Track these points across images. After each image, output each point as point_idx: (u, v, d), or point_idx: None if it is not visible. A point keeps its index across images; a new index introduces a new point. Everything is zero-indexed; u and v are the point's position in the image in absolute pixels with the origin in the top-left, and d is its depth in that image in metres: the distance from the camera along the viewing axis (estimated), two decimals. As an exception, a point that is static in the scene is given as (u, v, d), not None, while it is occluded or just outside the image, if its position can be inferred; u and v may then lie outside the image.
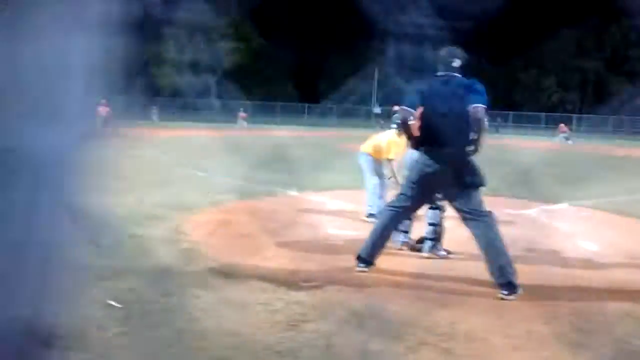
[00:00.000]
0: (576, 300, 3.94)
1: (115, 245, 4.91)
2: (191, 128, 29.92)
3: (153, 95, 55.18)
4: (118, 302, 3.52)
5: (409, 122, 4.36)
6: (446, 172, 4.17)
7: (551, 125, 44.11)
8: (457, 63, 4.35)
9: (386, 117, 41.21)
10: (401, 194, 4.46)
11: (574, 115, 54.08)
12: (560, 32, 63.01)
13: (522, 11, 75.46)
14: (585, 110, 60.71)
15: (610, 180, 12.34)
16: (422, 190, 4.38)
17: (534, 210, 7.74)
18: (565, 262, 5.01)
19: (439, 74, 4.38)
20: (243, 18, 62.91)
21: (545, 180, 11.29)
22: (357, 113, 54.61)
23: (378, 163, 6.63)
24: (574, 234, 6.30)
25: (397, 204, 4.46)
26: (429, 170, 4.24)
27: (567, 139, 30.87)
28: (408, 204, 4.43)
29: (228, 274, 4.22)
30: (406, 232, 5.21)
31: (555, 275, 4.55)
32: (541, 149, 21.64)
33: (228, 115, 50.08)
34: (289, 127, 35.92)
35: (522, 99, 61.84)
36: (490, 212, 4.16)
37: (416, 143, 4.39)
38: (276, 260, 4.71)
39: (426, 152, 4.27)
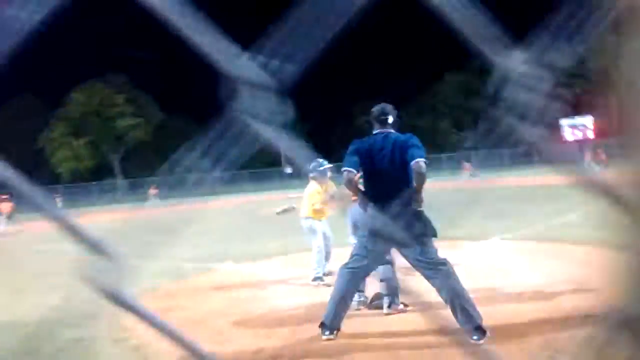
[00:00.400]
0: (543, 333, 4.01)
1: (57, 352, 4.46)
2: (100, 212, 28.58)
3: (53, 183, 52.58)
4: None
5: (353, 180, 4.39)
6: (396, 225, 4.20)
7: (451, 165, 46.36)
8: (390, 119, 4.50)
9: (297, 177, 41.73)
10: (356, 254, 4.41)
11: (472, 152, 57.43)
12: (446, 77, 67.73)
13: (412, 58, 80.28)
14: (481, 146, 64.71)
15: (525, 210, 13.06)
16: (375, 247, 4.36)
17: (467, 250, 7.94)
18: (517, 298, 5.14)
19: (375, 131, 4.49)
20: (139, 93, 62.15)
21: (468, 218, 11.74)
22: (269, 175, 54.78)
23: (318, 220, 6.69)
24: (512, 268, 6.51)
25: (353, 265, 4.40)
26: (379, 225, 4.25)
27: (472, 175, 32.54)
28: (364, 262, 4.38)
29: None
30: (361, 291, 5.14)
31: (513, 312, 4.63)
32: (451, 189, 22.57)
33: (136, 193, 48.58)
34: (203, 198, 35.30)
35: (422, 143, 64.92)
36: (446, 259, 4.20)
37: (363, 201, 4.40)
38: (237, 341, 4.46)
39: (374, 208, 4.29)
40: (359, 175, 4.46)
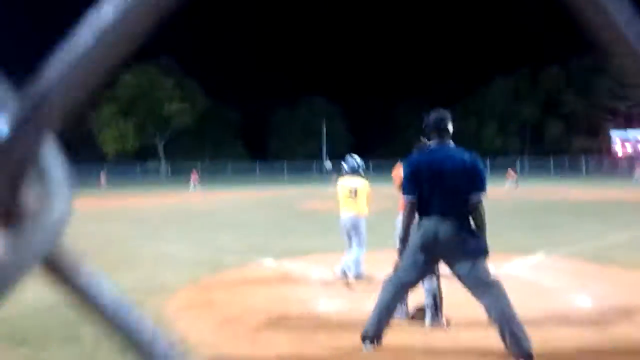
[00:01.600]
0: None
1: (99, 340, 4.50)
2: (143, 195, 29.18)
3: (98, 162, 53.99)
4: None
5: (415, 208, 4.26)
6: (449, 240, 4.06)
7: (496, 170, 45.44)
8: (451, 128, 4.32)
9: (338, 171, 41.62)
10: (404, 266, 4.29)
11: (517, 159, 56.26)
12: (496, 81, 66.46)
13: (459, 61, 79.21)
14: (527, 154, 63.40)
15: (571, 225, 12.64)
16: (425, 261, 4.23)
17: (512, 265, 7.71)
18: (567, 323, 4.92)
19: (434, 145, 4.30)
20: (188, 79, 63.12)
21: (511, 230, 11.44)
22: (308, 168, 54.94)
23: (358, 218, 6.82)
24: (561, 289, 6.26)
25: (400, 278, 4.28)
26: (430, 238, 4.11)
27: (515, 183, 31.83)
28: (412, 276, 4.26)
29: (230, 367, 3.90)
30: (404, 302, 5.02)
31: (563, 339, 4.43)
32: (493, 197, 22.12)
33: (178, 177, 49.44)
34: (242, 187, 35.64)
35: (466, 147, 63.93)
36: (498, 279, 4.04)
37: (417, 212, 4.27)
38: (273, 345, 4.40)
39: (428, 222, 4.15)
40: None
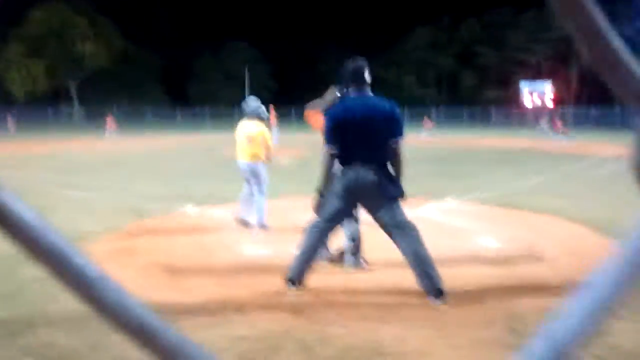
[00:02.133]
0: (501, 301, 4.19)
1: (15, 291, 4.39)
2: (55, 140, 27.73)
3: (5, 104, 50.41)
4: (40, 362, 3.15)
5: (333, 157, 4.39)
6: (369, 186, 4.23)
7: (414, 119, 46.59)
8: (368, 77, 4.42)
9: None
10: (326, 211, 4.44)
11: (433, 108, 57.90)
12: (416, 31, 67.25)
13: (382, 10, 79.32)
14: (442, 103, 65.36)
15: (482, 172, 13.38)
16: (345, 205, 4.41)
17: (425, 208, 8.12)
18: (476, 262, 5.32)
19: (353, 94, 4.41)
20: (103, 18, 59.50)
21: (425, 176, 11.95)
22: (230, 114, 53.98)
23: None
24: (472, 231, 6.70)
25: (322, 222, 4.44)
26: (351, 185, 4.27)
27: (431, 132, 32.91)
28: (333, 220, 4.43)
29: (155, 313, 3.93)
30: (325, 246, 5.21)
31: (473, 277, 4.80)
32: (412, 145, 22.82)
33: (93, 122, 47.18)
34: (163, 133, 34.62)
35: (385, 95, 64.86)
36: (413, 222, 4.29)
37: (339, 161, 4.39)
38: (201, 290, 4.48)
39: (350, 169, 4.29)
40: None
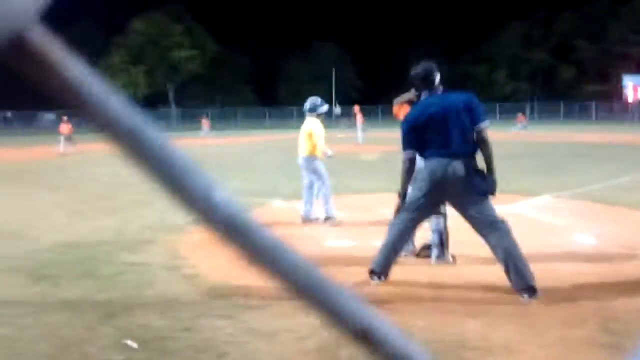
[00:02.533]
0: (595, 299, 3.95)
1: (113, 276, 4.69)
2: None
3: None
4: (135, 342, 3.34)
5: (415, 164, 4.38)
6: (457, 181, 4.13)
7: (505, 115, 44.98)
8: (438, 78, 4.37)
9: (347, 117, 41.50)
10: (411, 204, 4.38)
11: (527, 104, 55.56)
12: (508, 26, 64.73)
13: (472, 6, 77.19)
14: (537, 99, 62.56)
15: (578, 168, 12.65)
16: (432, 200, 4.33)
17: (519, 205, 7.80)
18: (570, 259, 5.05)
19: (425, 95, 4.37)
20: (197, 25, 62.49)
21: (520, 173, 11.48)
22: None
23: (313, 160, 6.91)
24: (566, 228, 6.36)
25: (408, 215, 4.38)
26: (439, 179, 4.18)
27: (525, 127, 31.63)
28: (419, 213, 4.36)
29: (242, 299, 4.06)
30: (410, 239, 5.14)
31: (566, 274, 4.55)
32: (504, 141, 21.99)
33: (188, 123, 49.51)
34: (253, 132, 35.71)
35: (475, 92, 62.93)
36: (504, 218, 4.13)
37: (424, 156, 4.33)
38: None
39: (437, 162, 4.21)
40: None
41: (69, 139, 20.08)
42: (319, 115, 7.02)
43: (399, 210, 4.44)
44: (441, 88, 4.38)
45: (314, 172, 6.87)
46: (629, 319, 3.58)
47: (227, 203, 0.34)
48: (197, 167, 0.34)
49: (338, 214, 6.97)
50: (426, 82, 4.35)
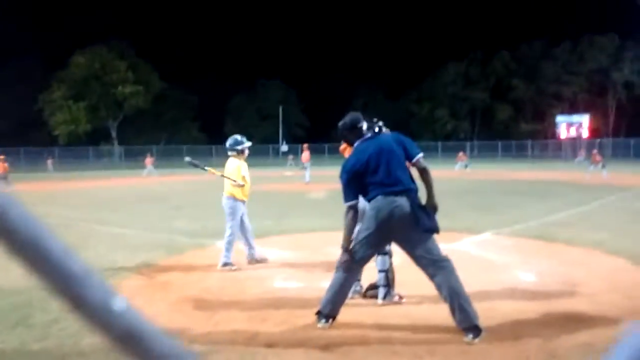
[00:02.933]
0: (538, 335, 4.03)
1: (49, 324, 4.45)
2: (94, 178, 28.48)
3: (50, 145, 52.35)
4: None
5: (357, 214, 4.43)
6: (404, 217, 4.18)
7: (447, 153, 46.38)
8: (365, 125, 4.61)
9: (295, 153, 41.70)
10: (358, 245, 4.39)
11: (467, 143, 57.51)
12: (447, 66, 67.44)
13: (411, 47, 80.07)
14: (476, 137, 64.92)
15: (517, 205, 13.11)
16: (378, 239, 4.36)
17: (462, 243, 7.97)
18: (512, 296, 5.16)
19: (356, 142, 4.53)
20: (141, 61, 61.87)
21: (463, 210, 11.79)
22: (264, 151, 54.65)
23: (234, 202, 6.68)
24: (508, 264, 6.53)
25: (354, 257, 4.38)
26: (385, 216, 4.22)
27: (466, 166, 32.60)
28: (365, 254, 4.38)
29: (187, 346, 3.92)
30: (357, 280, 5.15)
31: (509, 312, 4.65)
32: (447, 178, 22.60)
33: (132, 161, 48.43)
34: (198, 171, 35.17)
35: (419, 130, 64.95)
36: (448, 257, 4.21)
37: (367, 198, 4.38)
38: (230, 323, 4.46)
39: (380, 200, 4.26)
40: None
41: (4, 178, 19.28)
42: (239, 154, 6.79)
43: (343, 264, 4.40)
44: (369, 134, 4.54)
45: (230, 213, 6.60)
46: (570, 354, 3.67)
47: (125, 312, 0.33)
48: (96, 277, 0.34)
49: (285, 254, 6.90)
50: (354, 131, 4.56)
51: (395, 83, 71.83)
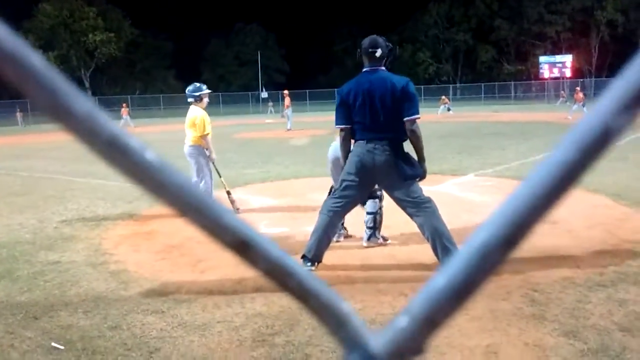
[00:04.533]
0: (519, 272, 4.11)
1: (34, 276, 4.43)
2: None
3: (18, 97, 51.07)
4: (60, 344, 3.17)
5: (349, 137, 4.34)
6: (383, 165, 4.15)
7: (430, 97, 46.18)
8: (379, 53, 4.30)
9: (275, 101, 41.24)
10: (340, 190, 4.37)
11: (450, 86, 57.28)
12: (429, 7, 66.21)
13: (393, -12, 78.22)
14: (459, 80, 64.63)
15: (500, 146, 13.18)
16: (360, 183, 4.33)
17: (445, 185, 8.03)
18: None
19: (365, 68, 4.32)
20: (113, 8, 59.80)
21: (446, 153, 11.84)
22: (244, 99, 53.89)
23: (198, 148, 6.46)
24: (490, 205, 6.60)
25: (337, 200, 4.38)
26: (365, 163, 4.19)
27: (448, 109, 32.57)
28: (349, 198, 4.37)
29: (171, 293, 3.94)
30: (341, 222, 5.16)
31: (491, 249, 4.72)
32: (430, 122, 22.56)
33: (107, 111, 47.49)
34: (175, 119, 34.73)
35: (401, 73, 64.21)
36: (430, 198, 4.22)
37: (353, 137, 4.33)
38: (217, 270, 4.48)
39: (363, 145, 4.22)
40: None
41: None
42: (197, 101, 6.52)
43: (332, 191, 4.45)
44: (383, 67, 4.32)
45: (196, 163, 6.44)
46: (551, 289, 3.75)
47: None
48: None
49: (269, 201, 6.89)
50: (369, 54, 4.26)
51: (376, 26, 70.52)
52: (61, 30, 56.02)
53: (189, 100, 6.57)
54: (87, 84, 60.31)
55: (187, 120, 6.54)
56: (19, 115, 39.11)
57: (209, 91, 6.69)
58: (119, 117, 31.70)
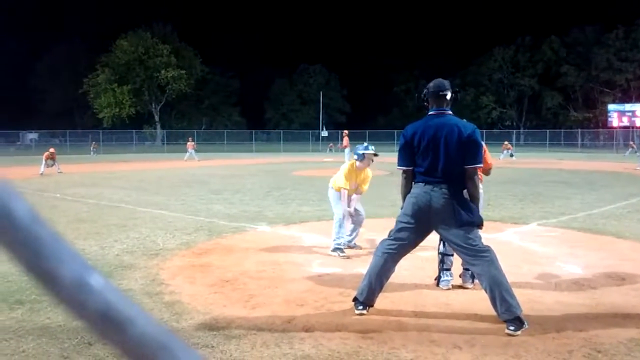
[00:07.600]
0: (582, 330, 3.88)
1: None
2: (137, 161, 29.10)
3: (94, 128, 53.77)
4: (111, 372, 3.21)
5: (410, 179, 4.31)
6: (441, 210, 4.07)
7: (492, 141, 45.34)
8: (448, 96, 4.29)
9: (334, 140, 41.60)
10: (397, 232, 4.31)
11: (514, 131, 56.20)
12: (493, 51, 65.74)
13: (458, 31, 78.34)
14: (523, 125, 63.32)
15: (565, 195, 12.69)
16: (417, 226, 4.25)
17: (506, 233, 7.76)
18: (556, 288, 4.99)
19: (431, 111, 4.30)
20: (184, 45, 62.68)
21: (507, 200, 11.50)
22: (304, 137, 54.65)
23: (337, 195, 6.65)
24: (553, 256, 6.32)
25: (394, 243, 4.31)
26: (422, 206, 4.12)
27: (511, 155, 31.86)
28: (402, 240, 4.29)
29: (222, 328, 3.94)
30: (448, 269, 5.03)
31: (553, 304, 4.50)
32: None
33: (173, 144, 49.33)
34: (238, 155, 35.57)
35: (463, 117, 63.62)
36: (489, 247, 4.08)
37: (412, 178, 4.29)
38: (268, 307, 4.46)
39: (421, 187, 4.17)
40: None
41: (51, 162, 19.78)
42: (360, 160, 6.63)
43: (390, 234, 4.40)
44: (449, 110, 4.30)
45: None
46: (615, 351, 3.52)
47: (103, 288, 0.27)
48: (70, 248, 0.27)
49: (323, 240, 6.87)
50: (436, 96, 4.27)
51: (439, 69, 70.66)
52: (136, 65, 59.15)
53: (354, 157, 6.72)
54: (156, 117, 62.97)
55: (343, 168, 6.80)
56: (93, 145, 41.18)
57: (371, 152, 6.64)
58: (185, 150, 32.80)
